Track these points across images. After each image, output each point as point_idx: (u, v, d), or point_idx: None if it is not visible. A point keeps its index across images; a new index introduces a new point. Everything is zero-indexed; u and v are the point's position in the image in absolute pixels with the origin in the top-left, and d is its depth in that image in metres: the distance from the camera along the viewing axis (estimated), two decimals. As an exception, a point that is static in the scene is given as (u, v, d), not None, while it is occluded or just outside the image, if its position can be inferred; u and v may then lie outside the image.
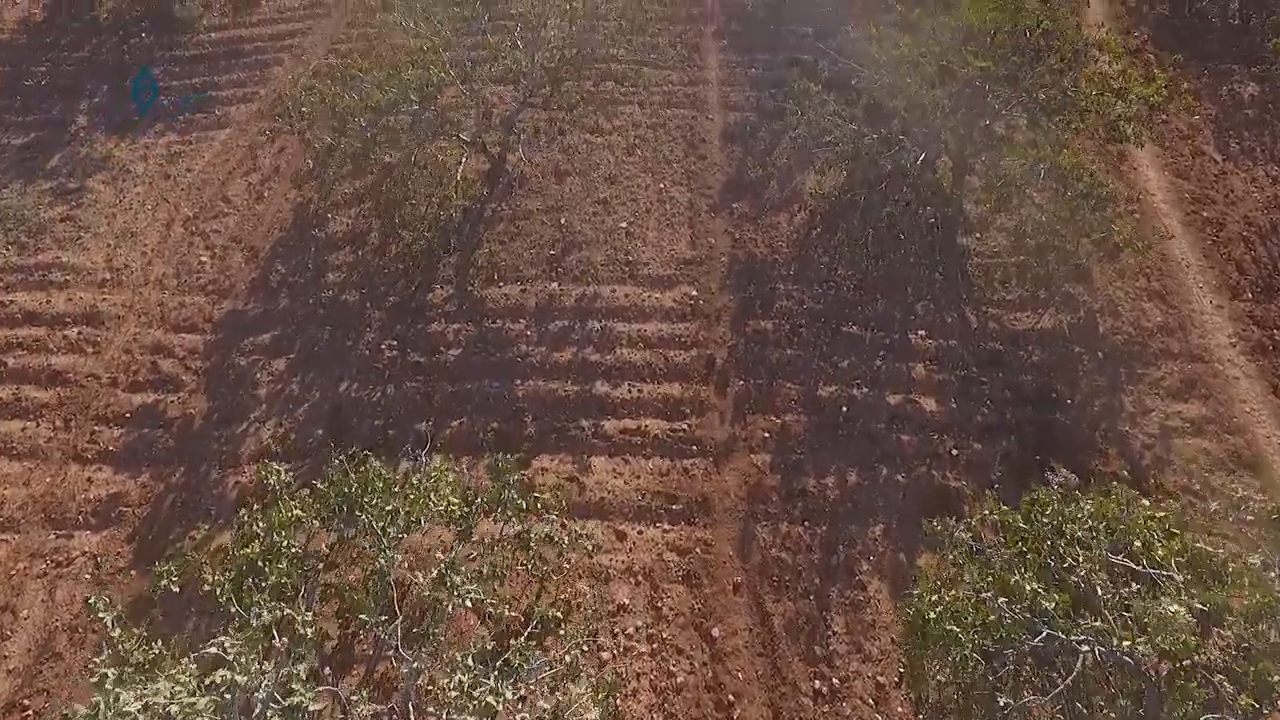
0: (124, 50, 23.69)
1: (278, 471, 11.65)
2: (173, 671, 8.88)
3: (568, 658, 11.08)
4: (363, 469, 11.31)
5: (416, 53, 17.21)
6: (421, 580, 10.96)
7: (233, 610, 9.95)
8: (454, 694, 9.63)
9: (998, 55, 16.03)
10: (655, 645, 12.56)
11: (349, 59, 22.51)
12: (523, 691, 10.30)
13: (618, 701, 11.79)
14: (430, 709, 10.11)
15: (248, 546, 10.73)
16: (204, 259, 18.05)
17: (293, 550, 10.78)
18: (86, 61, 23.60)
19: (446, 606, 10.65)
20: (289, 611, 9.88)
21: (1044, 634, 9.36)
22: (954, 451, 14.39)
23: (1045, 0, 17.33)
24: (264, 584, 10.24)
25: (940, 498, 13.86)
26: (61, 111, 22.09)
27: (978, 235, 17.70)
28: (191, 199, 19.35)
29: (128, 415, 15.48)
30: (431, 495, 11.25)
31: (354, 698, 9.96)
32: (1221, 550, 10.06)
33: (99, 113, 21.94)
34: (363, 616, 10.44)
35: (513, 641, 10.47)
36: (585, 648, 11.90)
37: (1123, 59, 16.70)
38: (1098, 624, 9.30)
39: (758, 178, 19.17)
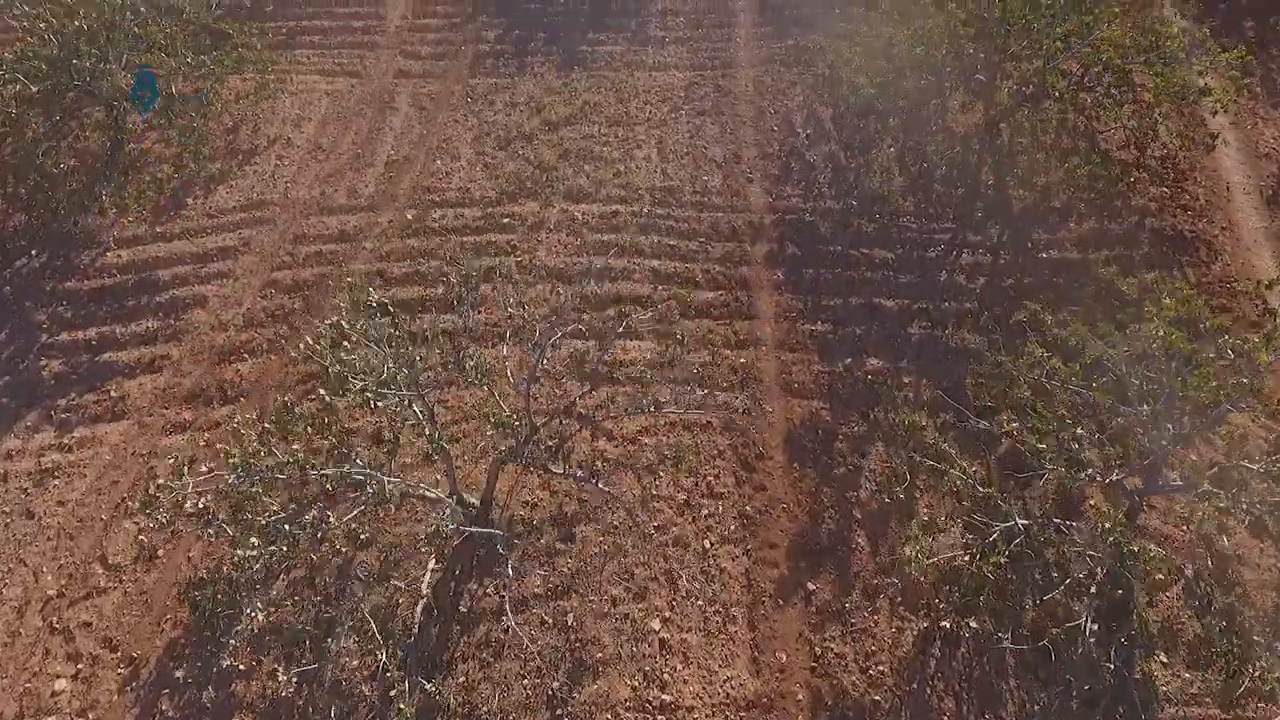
0: (3, 280, 18.36)
1: None
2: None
3: None
4: None
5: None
6: None
7: None
8: None
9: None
10: None
11: (300, 282, 17.31)
12: None
13: None
14: None
15: None
16: (62, 684, 12.72)
17: None
18: (-47, 298, 18.31)
19: None
20: None
21: None
22: None
23: None
24: None
25: None
26: (-89, 380, 16.84)
27: (1163, 660, 12.36)
28: (58, 560, 14.00)
29: None
30: None
31: None
32: None
33: (-42, 387, 16.67)
34: None
35: None
36: None
37: None
38: None
39: (840, 531, 13.84)
